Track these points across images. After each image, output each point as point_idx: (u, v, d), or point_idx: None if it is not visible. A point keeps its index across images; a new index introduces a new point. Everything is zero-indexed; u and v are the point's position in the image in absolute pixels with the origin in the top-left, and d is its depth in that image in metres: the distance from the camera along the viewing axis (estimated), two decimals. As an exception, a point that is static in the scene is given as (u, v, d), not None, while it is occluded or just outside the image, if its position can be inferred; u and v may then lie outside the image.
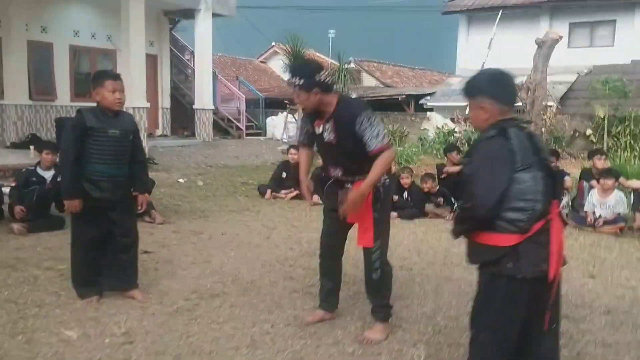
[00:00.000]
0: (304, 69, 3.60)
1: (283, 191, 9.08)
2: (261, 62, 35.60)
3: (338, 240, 3.84)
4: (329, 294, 3.92)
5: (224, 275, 4.93)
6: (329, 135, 3.57)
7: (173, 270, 5.03)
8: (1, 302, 4.14)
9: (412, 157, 13.15)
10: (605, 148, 13.09)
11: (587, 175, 8.03)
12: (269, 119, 19.46)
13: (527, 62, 15.69)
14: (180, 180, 10.30)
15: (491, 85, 2.65)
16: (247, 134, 18.60)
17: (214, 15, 16.66)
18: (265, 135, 19.18)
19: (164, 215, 7.26)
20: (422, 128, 15.72)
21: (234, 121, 18.58)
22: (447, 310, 4.17)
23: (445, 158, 9.10)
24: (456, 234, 2.70)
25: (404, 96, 20.29)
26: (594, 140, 13.91)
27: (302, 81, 3.49)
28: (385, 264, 3.70)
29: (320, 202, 8.40)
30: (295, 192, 8.94)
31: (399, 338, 3.65)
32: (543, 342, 2.67)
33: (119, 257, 4.24)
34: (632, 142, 13.25)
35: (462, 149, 9.61)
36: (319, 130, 3.64)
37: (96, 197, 4.01)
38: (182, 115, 17.91)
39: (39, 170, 6.72)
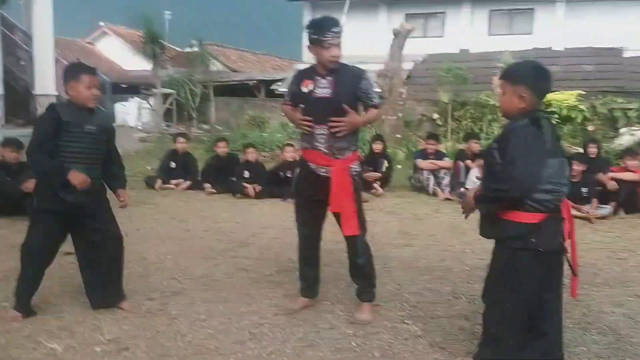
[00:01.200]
0: (337, 19, 3.66)
1: (173, 181, 8.82)
2: (88, 43, 33.35)
3: (316, 229, 3.94)
4: (312, 282, 4.03)
5: (171, 272, 4.79)
6: (323, 90, 3.63)
7: (111, 270, 4.74)
8: (-61, 324, 3.65)
9: (277, 142, 13.39)
10: (449, 130, 14.51)
11: (462, 155, 8.92)
12: (117, 105, 18.42)
13: (371, 50, 16.71)
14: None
15: (534, 78, 2.90)
16: (94, 122, 17.42)
17: (54, -9, 15.32)
18: (114, 122, 18.13)
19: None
20: (282, 114, 15.93)
21: (79, 108, 17.27)
22: (407, 287, 4.49)
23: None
24: (485, 211, 2.96)
25: (255, 81, 20.40)
26: (440, 123, 15.26)
27: (340, 29, 3.59)
28: (368, 248, 3.88)
29: (214, 191, 8.42)
30: (188, 183, 8.76)
31: (385, 316, 3.88)
32: (555, 308, 3.08)
33: (108, 268, 3.90)
34: (472, 124, 14.78)
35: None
36: (307, 88, 3.68)
37: (70, 202, 3.62)
38: (17, 103, 16.23)
39: None
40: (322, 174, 3.71)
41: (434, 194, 8.45)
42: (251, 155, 8.58)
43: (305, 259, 4.00)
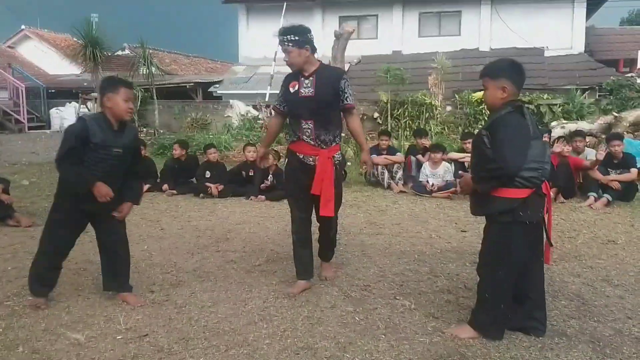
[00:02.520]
0: (298, 29, 4.07)
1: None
2: (9, 47, 32.05)
3: (309, 212, 4.37)
4: (309, 264, 4.38)
5: (163, 267, 4.96)
6: (307, 90, 4.09)
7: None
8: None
9: (223, 143, 13.53)
10: (389, 128, 15.07)
11: (412, 150, 9.44)
12: (53, 111, 17.89)
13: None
14: None
15: (512, 71, 3.34)
16: (29, 128, 16.90)
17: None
18: (50, 128, 17.60)
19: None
20: (225, 115, 16.09)
21: (12, 113, 16.73)
22: (389, 269, 4.86)
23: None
24: (484, 189, 3.34)
25: (192, 84, 20.35)
26: (380, 122, 15.82)
27: (296, 38, 4.00)
28: (336, 222, 4.62)
29: (175, 192, 8.52)
30: (147, 186, 8.80)
31: (377, 294, 4.24)
32: (538, 275, 3.52)
33: (115, 261, 4.11)
34: (410, 122, 15.40)
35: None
36: (293, 89, 4.15)
37: (86, 209, 3.84)
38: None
39: None
40: (309, 162, 4.18)
41: (389, 187, 8.90)
42: (212, 155, 8.74)
43: (301, 241, 4.36)
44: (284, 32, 4.06)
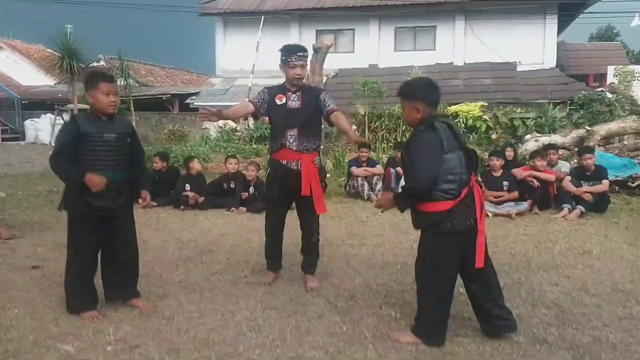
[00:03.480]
0: (305, 48, 4.52)
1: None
2: (-20, 57, 31.61)
3: (283, 216, 4.83)
4: (279, 259, 4.94)
5: (148, 279, 4.95)
6: (294, 103, 4.54)
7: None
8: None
9: (201, 155, 13.53)
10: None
11: (392, 162, 9.58)
12: (27, 122, 17.68)
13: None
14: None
15: (425, 92, 3.52)
16: (3, 139, 16.68)
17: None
18: (24, 139, 17.38)
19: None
20: (203, 127, 16.10)
21: (-15, 125, 16.52)
22: (374, 279, 4.95)
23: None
24: (402, 207, 3.54)
25: (169, 95, 20.33)
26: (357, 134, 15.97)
27: (307, 55, 4.50)
28: (319, 227, 4.89)
29: (155, 203, 8.54)
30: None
31: (363, 304, 4.32)
32: (486, 279, 3.63)
33: (123, 268, 4.17)
34: (387, 134, 15.63)
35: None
36: (281, 101, 4.56)
37: (97, 207, 3.87)
38: None
39: None
40: (292, 167, 4.53)
41: (369, 199, 9.02)
42: (194, 168, 8.77)
43: (274, 242, 4.84)
44: (301, 49, 4.53)
